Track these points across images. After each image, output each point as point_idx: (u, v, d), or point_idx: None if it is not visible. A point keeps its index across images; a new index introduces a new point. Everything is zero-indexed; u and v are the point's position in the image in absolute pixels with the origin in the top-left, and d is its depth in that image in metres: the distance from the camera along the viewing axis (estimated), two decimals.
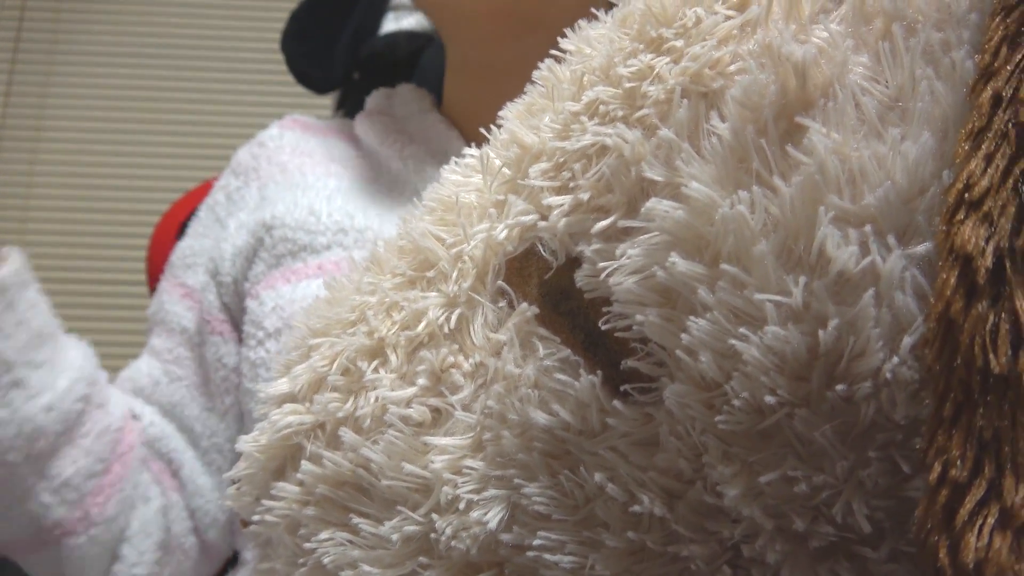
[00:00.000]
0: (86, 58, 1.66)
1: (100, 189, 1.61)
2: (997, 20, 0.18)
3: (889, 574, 0.21)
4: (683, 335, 0.21)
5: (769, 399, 0.20)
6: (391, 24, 0.78)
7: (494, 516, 0.23)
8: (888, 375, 0.19)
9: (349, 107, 0.77)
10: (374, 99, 0.63)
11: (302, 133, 0.59)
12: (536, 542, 0.23)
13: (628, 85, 0.23)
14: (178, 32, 1.68)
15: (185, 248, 0.57)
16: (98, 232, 1.60)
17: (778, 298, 0.20)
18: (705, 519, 0.22)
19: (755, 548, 0.22)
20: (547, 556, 0.23)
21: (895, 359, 0.19)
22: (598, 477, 0.22)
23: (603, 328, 0.23)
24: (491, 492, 0.23)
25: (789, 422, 0.20)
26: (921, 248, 0.19)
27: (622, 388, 0.22)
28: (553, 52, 0.27)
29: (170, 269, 0.57)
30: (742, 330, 0.20)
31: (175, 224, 0.72)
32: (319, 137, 0.60)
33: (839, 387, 0.19)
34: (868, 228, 0.19)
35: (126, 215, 1.60)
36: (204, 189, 0.72)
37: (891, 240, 0.19)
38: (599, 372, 0.23)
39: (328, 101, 0.87)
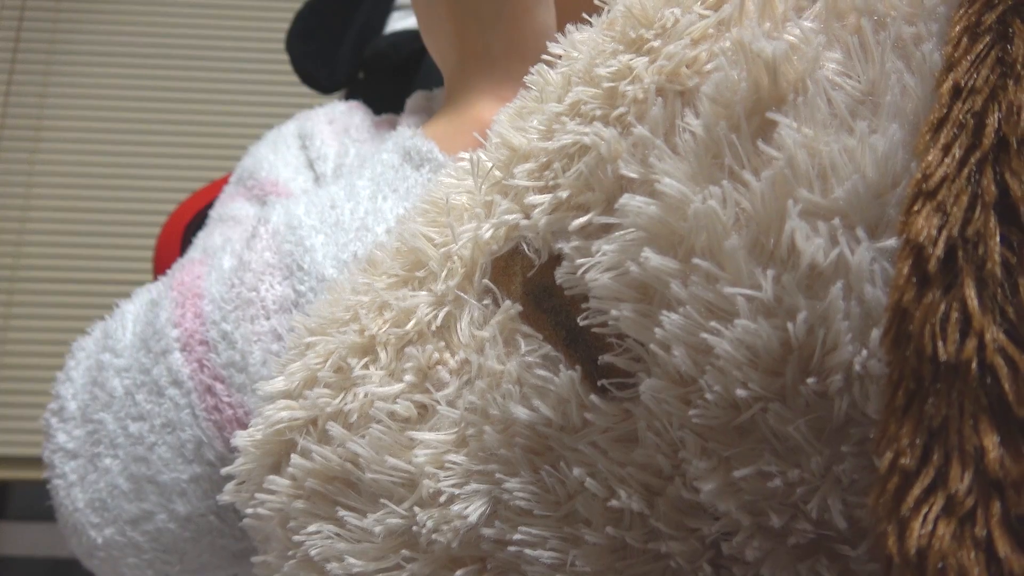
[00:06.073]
0: (85, 58, 1.72)
1: (100, 189, 1.67)
2: (960, 11, 0.20)
3: (872, 573, 0.22)
4: (657, 329, 0.22)
5: (741, 393, 0.21)
6: (398, 23, 0.80)
7: (475, 510, 0.25)
8: (859, 368, 0.21)
9: None
10: (414, 100, 0.66)
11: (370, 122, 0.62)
12: (517, 537, 0.25)
13: (607, 85, 0.25)
14: (179, 32, 1.74)
15: None
16: (98, 232, 1.65)
17: (748, 291, 0.21)
18: (685, 516, 0.24)
19: (734, 545, 0.23)
20: (528, 551, 0.25)
21: (864, 352, 0.20)
22: (577, 472, 0.24)
23: (582, 324, 0.24)
24: (473, 486, 0.25)
25: (763, 417, 0.22)
26: (892, 241, 0.21)
27: (600, 383, 0.24)
28: (544, 57, 0.29)
29: None
30: (713, 324, 0.21)
31: (181, 225, 0.75)
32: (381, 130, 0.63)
33: (810, 380, 0.21)
34: (837, 221, 0.21)
35: (126, 215, 1.65)
36: (210, 190, 0.75)
37: (860, 233, 0.21)
38: (578, 368, 0.24)
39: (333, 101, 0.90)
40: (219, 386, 0.38)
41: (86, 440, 0.40)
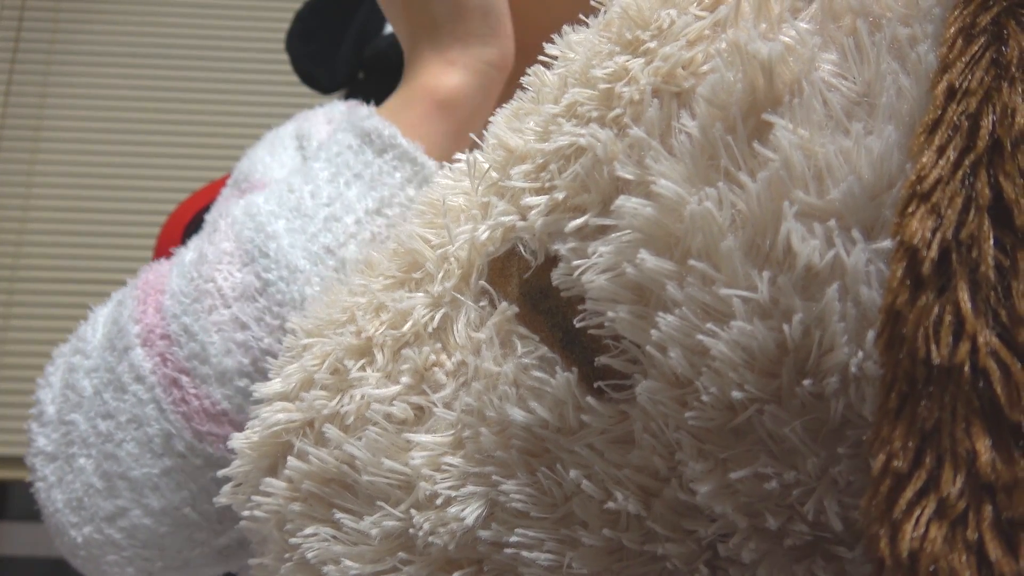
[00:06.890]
0: (85, 58, 1.72)
1: (100, 189, 1.67)
2: (955, 13, 0.20)
3: (868, 575, 0.23)
4: (653, 331, 0.22)
5: (737, 394, 0.21)
6: None
7: (471, 512, 0.25)
8: (854, 370, 0.21)
9: None
10: None
11: None
12: (514, 539, 0.25)
13: (603, 86, 0.25)
14: (179, 32, 1.74)
15: None
16: (98, 232, 1.65)
17: (744, 293, 0.21)
18: (681, 517, 0.24)
19: (731, 547, 0.23)
20: (525, 554, 0.25)
21: (860, 354, 0.20)
22: (574, 474, 0.24)
23: (578, 326, 0.24)
24: (469, 489, 0.25)
25: (759, 418, 0.22)
26: (888, 243, 0.21)
27: (596, 385, 0.24)
28: (541, 58, 0.30)
29: None
30: (709, 325, 0.21)
31: (180, 225, 0.76)
32: None
33: (806, 382, 0.21)
34: (832, 222, 0.21)
35: (126, 215, 1.66)
36: (209, 190, 0.75)
37: (856, 234, 0.21)
38: (575, 369, 0.25)
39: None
40: (185, 379, 0.38)
41: (61, 441, 0.40)
